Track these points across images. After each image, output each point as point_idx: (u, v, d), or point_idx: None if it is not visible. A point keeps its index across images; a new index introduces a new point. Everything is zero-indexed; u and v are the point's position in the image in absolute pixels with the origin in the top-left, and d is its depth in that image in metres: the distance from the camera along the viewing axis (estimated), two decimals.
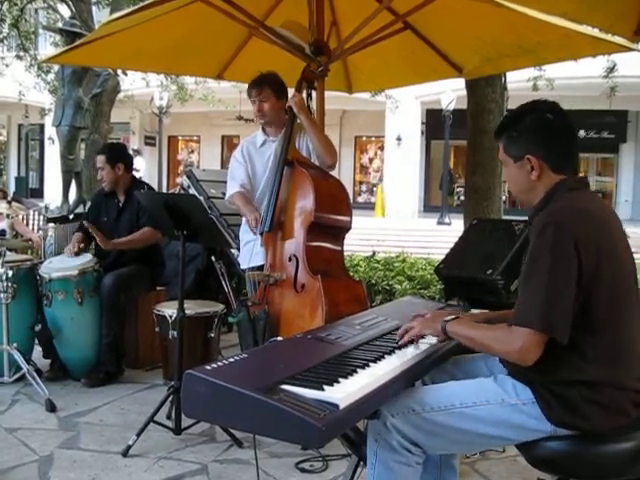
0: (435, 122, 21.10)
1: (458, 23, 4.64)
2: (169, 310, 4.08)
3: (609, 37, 4.26)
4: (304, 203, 3.38)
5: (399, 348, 2.11)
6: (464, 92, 6.22)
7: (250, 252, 3.71)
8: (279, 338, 2.14)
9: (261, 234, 3.51)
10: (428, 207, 23.95)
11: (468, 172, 6.02)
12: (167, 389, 3.51)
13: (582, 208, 1.97)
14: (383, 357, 1.99)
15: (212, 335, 4.20)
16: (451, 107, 18.88)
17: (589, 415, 1.86)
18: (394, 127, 21.07)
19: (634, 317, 1.97)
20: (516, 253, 3.59)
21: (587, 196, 2.10)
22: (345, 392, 1.61)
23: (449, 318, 2.11)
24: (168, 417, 3.51)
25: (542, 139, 2.04)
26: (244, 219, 3.82)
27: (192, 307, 4.09)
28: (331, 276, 3.32)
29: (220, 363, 1.71)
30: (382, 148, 23.72)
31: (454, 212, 19.68)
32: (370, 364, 1.89)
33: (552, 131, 2.05)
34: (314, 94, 3.99)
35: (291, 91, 3.78)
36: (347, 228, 3.54)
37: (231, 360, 1.75)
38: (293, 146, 3.62)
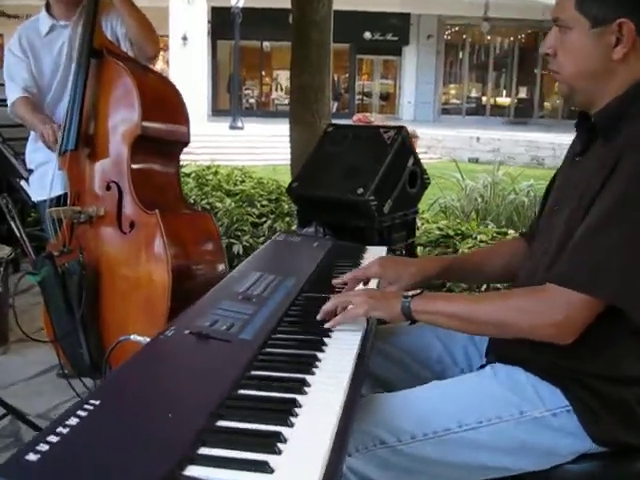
0: (221, 21, 19.90)
1: None
2: None
3: None
4: (124, 109, 2.46)
5: (326, 335, 1.34)
6: None
7: (45, 178, 2.75)
8: (133, 337, 1.26)
9: (62, 154, 2.55)
10: (216, 111, 22.99)
11: (295, 71, 5.22)
12: None
13: None
14: (317, 361, 1.21)
15: None
16: (240, 4, 17.79)
17: None
18: (179, 26, 19.53)
19: None
20: (389, 167, 2.97)
21: None
22: (304, 468, 0.85)
23: (411, 293, 1.33)
24: None
25: None
26: (33, 134, 2.84)
27: None
28: (169, 209, 2.47)
29: (54, 438, 0.84)
30: (166, 49, 22.04)
31: (243, 115, 19.19)
32: (307, 378, 1.12)
33: None
34: None
35: None
36: (185, 142, 2.67)
37: (73, 423, 0.88)
38: (99, 30, 2.63)
